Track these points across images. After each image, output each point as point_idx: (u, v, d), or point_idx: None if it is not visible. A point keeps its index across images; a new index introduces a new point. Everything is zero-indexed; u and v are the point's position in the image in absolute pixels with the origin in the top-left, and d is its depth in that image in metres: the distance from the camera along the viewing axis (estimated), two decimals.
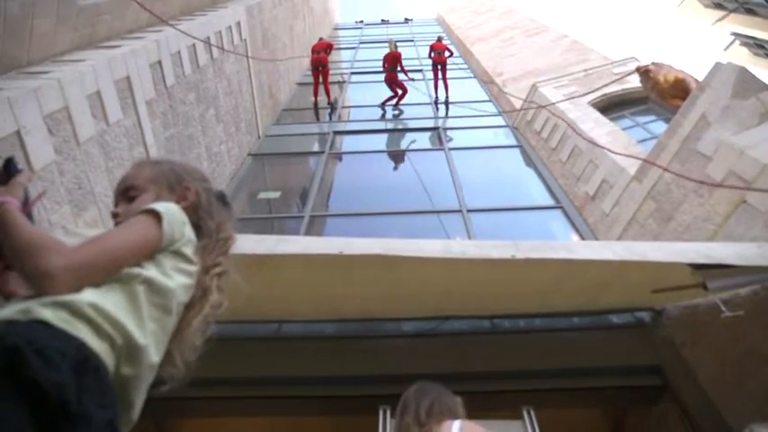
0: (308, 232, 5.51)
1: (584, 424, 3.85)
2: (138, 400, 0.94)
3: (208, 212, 1.19)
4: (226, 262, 1.18)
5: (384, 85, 10.30)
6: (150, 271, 0.99)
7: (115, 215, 1.16)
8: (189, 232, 1.10)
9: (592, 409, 3.85)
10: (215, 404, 3.19)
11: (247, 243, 2.19)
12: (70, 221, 3.13)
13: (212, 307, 1.12)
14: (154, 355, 0.94)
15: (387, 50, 10.30)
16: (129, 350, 0.89)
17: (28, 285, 0.91)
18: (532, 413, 2.46)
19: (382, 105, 10.13)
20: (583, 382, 3.21)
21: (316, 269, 2.39)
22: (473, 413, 1.79)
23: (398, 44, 10.68)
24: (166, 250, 1.04)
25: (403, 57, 10.40)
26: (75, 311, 0.84)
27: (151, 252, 1.02)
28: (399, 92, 10.15)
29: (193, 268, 1.08)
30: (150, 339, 0.93)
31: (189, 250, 1.08)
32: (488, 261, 2.20)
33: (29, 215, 1.05)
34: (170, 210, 1.08)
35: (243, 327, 3.28)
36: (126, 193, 1.17)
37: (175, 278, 1.02)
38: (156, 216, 1.04)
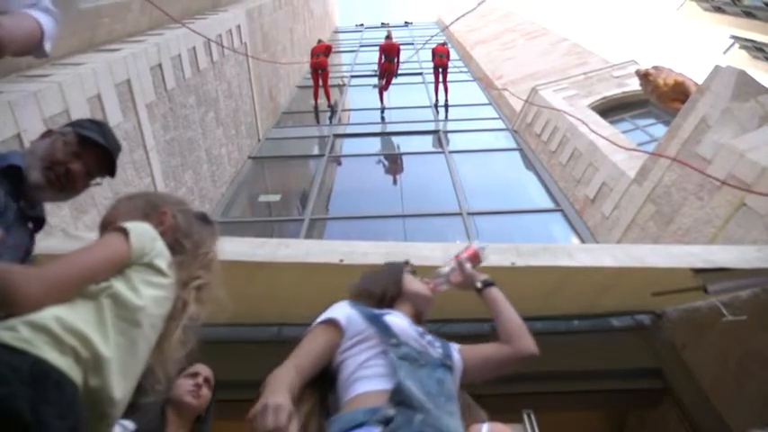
0: (309, 235, 5.50)
1: (585, 427, 3.85)
2: (114, 411, 0.96)
3: (185, 232, 1.25)
4: (207, 275, 1.22)
5: (380, 83, 10.45)
6: (117, 285, 1.02)
7: None
8: (161, 246, 1.14)
9: (592, 411, 3.84)
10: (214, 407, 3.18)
11: (248, 247, 2.20)
12: (70, 224, 3.13)
13: (190, 319, 1.15)
14: (120, 366, 0.96)
15: (384, 40, 10.52)
16: (94, 362, 0.91)
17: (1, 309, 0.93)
18: (533, 416, 2.45)
19: (380, 91, 10.33)
20: (583, 385, 3.21)
21: (316, 273, 2.39)
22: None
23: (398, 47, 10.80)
24: (137, 263, 1.07)
25: (403, 59, 10.57)
26: (37, 328, 0.87)
27: (120, 266, 1.05)
28: (384, 81, 10.41)
29: (166, 281, 1.11)
30: (114, 352, 0.95)
31: (162, 263, 1.11)
32: (488, 268, 2.20)
33: None
34: (138, 226, 1.12)
35: (242, 330, 3.27)
36: (104, 231, 1.21)
37: (144, 292, 1.05)
38: (124, 232, 1.08)
